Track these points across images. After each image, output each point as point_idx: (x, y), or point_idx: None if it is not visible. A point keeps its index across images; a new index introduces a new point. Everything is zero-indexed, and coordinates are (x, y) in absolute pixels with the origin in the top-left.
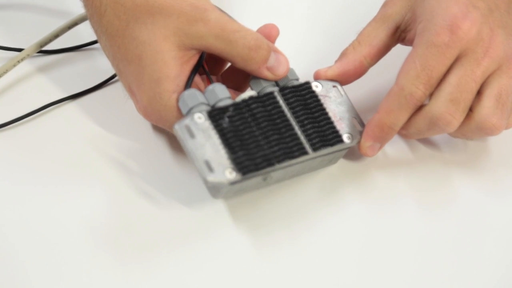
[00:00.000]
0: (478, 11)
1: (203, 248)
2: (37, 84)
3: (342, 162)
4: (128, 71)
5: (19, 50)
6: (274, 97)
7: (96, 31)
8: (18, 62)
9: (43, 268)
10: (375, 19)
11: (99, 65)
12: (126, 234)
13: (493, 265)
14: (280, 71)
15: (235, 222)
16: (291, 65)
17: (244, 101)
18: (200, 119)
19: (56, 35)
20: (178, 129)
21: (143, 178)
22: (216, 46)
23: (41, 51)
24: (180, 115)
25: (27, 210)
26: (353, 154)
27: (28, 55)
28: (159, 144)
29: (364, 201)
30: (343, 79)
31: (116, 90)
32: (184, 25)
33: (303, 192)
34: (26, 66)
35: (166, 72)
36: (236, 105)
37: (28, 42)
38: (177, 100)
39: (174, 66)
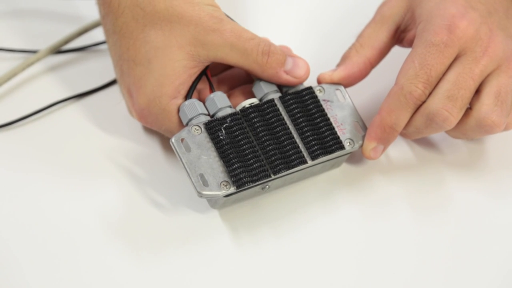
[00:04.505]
0: (476, 12)
1: (201, 248)
2: (46, 83)
3: (344, 166)
4: (132, 72)
5: (33, 51)
6: (274, 105)
7: (107, 31)
8: (28, 65)
9: (59, 255)
10: (374, 21)
11: (109, 64)
12: (126, 229)
13: (492, 268)
14: (300, 73)
15: (232, 223)
16: None
17: (242, 110)
18: (197, 131)
19: (67, 40)
20: (174, 142)
21: (146, 178)
22: (231, 55)
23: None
24: (176, 120)
25: (29, 202)
26: (356, 157)
27: (39, 58)
28: (161, 144)
29: (361, 204)
30: (348, 82)
31: None
32: (201, 34)
33: (301, 194)
34: (36, 64)
35: (172, 78)
36: (233, 116)
37: (40, 44)
38: (177, 107)
39: (181, 75)
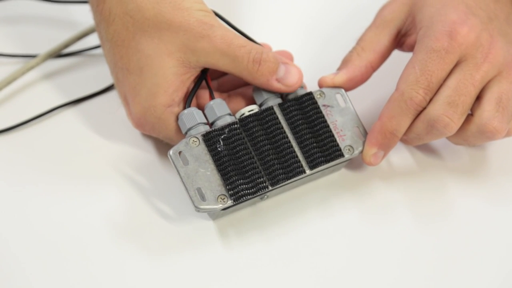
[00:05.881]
0: (477, 18)
1: (200, 253)
2: (46, 88)
3: (344, 171)
4: (127, 81)
5: (32, 56)
6: (273, 113)
7: (101, 38)
8: (28, 70)
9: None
10: (375, 25)
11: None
12: (128, 233)
13: (493, 274)
14: (291, 81)
15: (230, 228)
16: None
17: (241, 120)
18: (195, 143)
19: (67, 45)
20: (172, 155)
21: (147, 183)
22: (222, 62)
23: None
24: (173, 128)
25: (27, 208)
26: (356, 163)
27: (38, 63)
28: (159, 148)
29: (360, 209)
30: (349, 86)
31: None
32: (190, 41)
33: (300, 199)
34: (35, 69)
35: (165, 86)
36: (232, 126)
37: (37, 49)
38: (173, 115)
39: (174, 82)
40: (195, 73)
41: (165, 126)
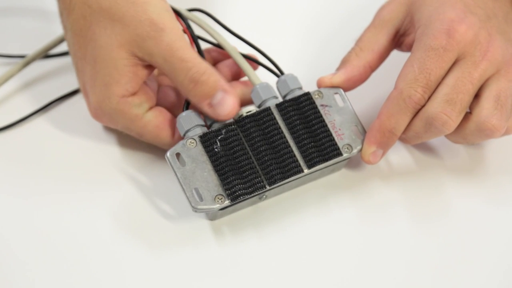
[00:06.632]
0: (475, 17)
1: (200, 251)
2: (40, 87)
3: (343, 170)
4: (84, 71)
5: (21, 56)
6: (270, 114)
7: (64, 27)
8: (23, 66)
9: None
10: (373, 25)
11: None
12: (128, 232)
13: (491, 274)
14: (220, 112)
15: (228, 226)
16: (294, 72)
17: (238, 121)
18: (192, 144)
19: (61, 40)
20: (170, 157)
21: (146, 181)
22: (163, 67)
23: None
24: (130, 117)
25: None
26: (355, 162)
27: (33, 59)
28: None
29: (358, 208)
30: (348, 86)
31: None
32: (138, 38)
33: (299, 199)
34: (29, 67)
35: (117, 77)
36: (229, 127)
37: (27, 48)
38: (128, 104)
39: (125, 73)
40: (144, 64)
41: (121, 116)
